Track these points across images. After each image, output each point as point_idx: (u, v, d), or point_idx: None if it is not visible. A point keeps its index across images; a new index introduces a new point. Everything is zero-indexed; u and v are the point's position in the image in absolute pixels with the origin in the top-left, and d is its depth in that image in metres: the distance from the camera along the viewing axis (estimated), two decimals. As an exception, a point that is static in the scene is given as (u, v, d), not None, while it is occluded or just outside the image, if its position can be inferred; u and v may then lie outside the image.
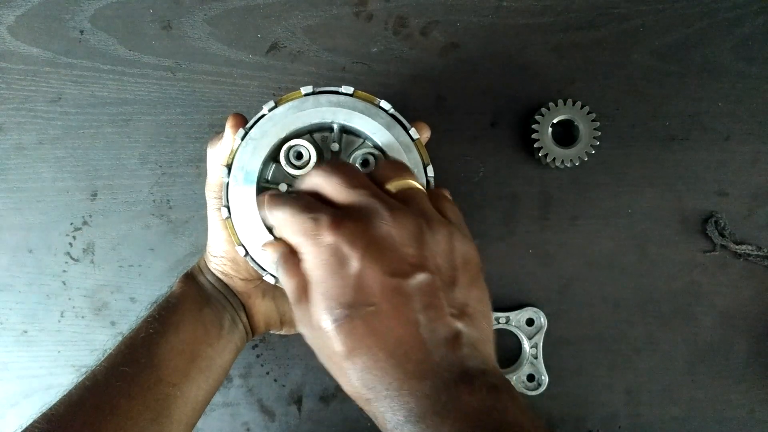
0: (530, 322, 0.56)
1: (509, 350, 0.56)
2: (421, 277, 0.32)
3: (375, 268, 0.32)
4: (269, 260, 0.39)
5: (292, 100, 0.42)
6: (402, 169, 0.38)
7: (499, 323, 0.55)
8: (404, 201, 0.35)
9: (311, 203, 0.35)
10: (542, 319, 0.55)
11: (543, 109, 0.53)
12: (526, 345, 0.55)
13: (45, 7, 0.56)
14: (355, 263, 0.32)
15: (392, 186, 0.36)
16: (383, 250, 0.32)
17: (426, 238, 0.33)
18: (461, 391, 0.30)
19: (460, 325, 0.32)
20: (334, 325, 0.32)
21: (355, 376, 0.32)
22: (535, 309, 0.55)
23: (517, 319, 0.55)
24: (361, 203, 0.34)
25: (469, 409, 0.30)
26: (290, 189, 0.41)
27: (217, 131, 0.56)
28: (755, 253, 0.55)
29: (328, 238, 0.32)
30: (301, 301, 0.34)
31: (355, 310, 0.31)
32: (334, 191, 0.35)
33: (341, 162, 0.39)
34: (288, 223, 0.35)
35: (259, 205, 0.39)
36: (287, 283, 0.35)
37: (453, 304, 0.33)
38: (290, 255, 0.35)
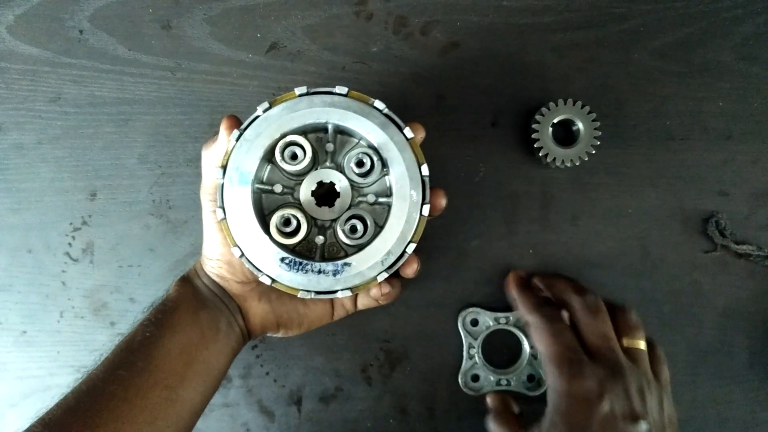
0: (531, 322, 0.55)
1: (509, 350, 0.56)
2: (644, 426, 0.42)
3: (614, 414, 0.42)
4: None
5: (286, 101, 0.42)
6: (637, 328, 0.48)
7: (499, 323, 0.55)
8: (632, 359, 0.45)
9: (573, 348, 0.45)
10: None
11: (543, 109, 0.53)
12: (526, 345, 0.55)
13: (44, 6, 0.56)
14: (603, 406, 0.42)
15: (625, 342, 0.47)
16: (621, 399, 0.43)
17: (647, 396, 0.44)
18: None
19: None
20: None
21: None
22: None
23: (517, 319, 0.55)
24: (608, 356, 0.44)
25: None
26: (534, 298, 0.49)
27: (216, 132, 0.56)
28: (756, 253, 0.55)
29: (589, 384, 0.43)
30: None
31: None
32: (587, 332, 0.46)
33: (598, 304, 0.47)
34: (544, 343, 0.46)
35: (512, 290, 0.51)
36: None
37: None
38: (506, 412, 0.51)
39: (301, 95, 0.41)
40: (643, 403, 0.43)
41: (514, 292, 0.51)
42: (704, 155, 0.56)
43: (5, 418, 0.57)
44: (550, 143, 0.53)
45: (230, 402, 0.56)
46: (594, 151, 0.53)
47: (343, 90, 0.41)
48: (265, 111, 0.41)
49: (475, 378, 0.55)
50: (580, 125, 0.53)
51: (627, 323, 0.48)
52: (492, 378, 0.54)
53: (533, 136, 0.53)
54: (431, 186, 0.42)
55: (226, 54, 0.56)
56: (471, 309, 0.55)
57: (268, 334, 0.49)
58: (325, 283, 0.42)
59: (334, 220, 0.43)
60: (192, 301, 0.45)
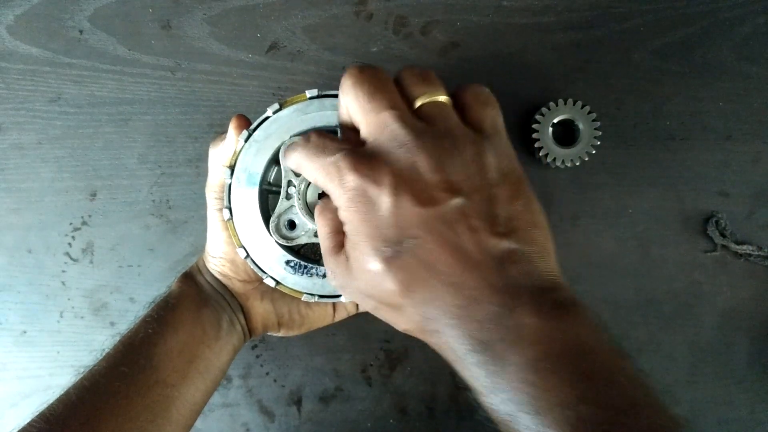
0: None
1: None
2: (455, 201, 0.30)
3: (407, 201, 0.30)
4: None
5: (296, 103, 0.41)
6: (428, 81, 0.34)
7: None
8: (429, 118, 0.33)
9: (325, 145, 0.34)
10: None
11: (543, 109, 0.53)
12: None
13: (44, 6, 0.56)
14: (385, 200, 0.30)
15: (419, 102, 0.34)
16: (410, 181, 0.31)
17: (453, 160, 0.31)
18: (524, 313, 0.29)
19: (508, 242, 0.31)
20: (383, 265, 0.31)
21: (414, 311, 0.31)
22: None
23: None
24: (383, 130, 0.32)
25: (534, 333, 0.28)
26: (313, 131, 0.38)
27: (217, 132, 0.56)
28: (756, 253, 0.55)
29: (351, 181, 0.31)
30: (338, 254, 0.34)
31: (400, 245, 0.30)
32: (358, 109, 0.33)
33: (370, 68, 0.35)
34: (309, 168, 0.34)
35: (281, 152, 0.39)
36: (323, 228, 0.35)
37: (497, 222, 0.31)
38: (324, 206, 0.35)
39: (311, 98, 0.41)
40: (446, 171, 0.31)
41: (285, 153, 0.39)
42: (704, 155, 0.56)
43: (5, 418, 0.57)
44: (550, 143, 0.53)
45: (230, 402, 0.56)
46: (594, 151, 0.53)
47: None
48: (275, 112, 0.41)
49: (292, 225, 0.42)
50: (581, 125, 0.53)
51: (412, 82, 0.34)
52: (311, 227, 0.41)
53: (533, 136, 0.53)
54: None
55: (226, 54, 0.56)
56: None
57: (269, 333, 0.49)
58: (329, 287, 0.42)
59: None
60: (194, 298, 0.45)
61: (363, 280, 0.33)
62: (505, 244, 0.31)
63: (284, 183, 0.41)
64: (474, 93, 0.35)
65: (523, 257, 0.31)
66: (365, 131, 0.33)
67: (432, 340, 0.32)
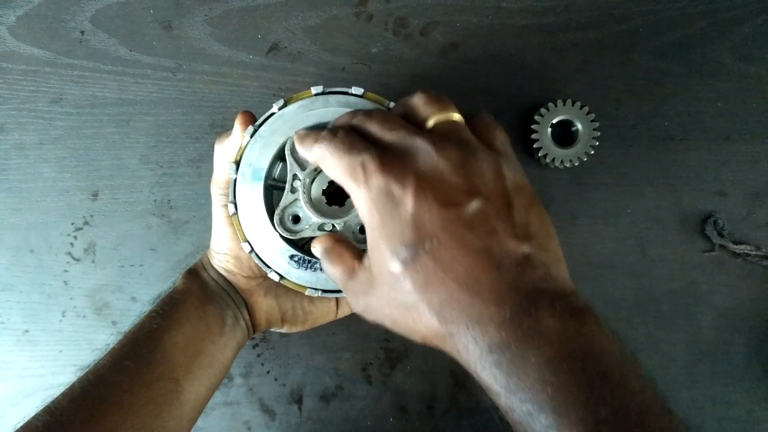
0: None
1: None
2: (476, 204, 0.31)
3: (429, 203, 0.31)
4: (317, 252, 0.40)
5: (301, 99, 0.42)
6: (437, 102, 0.36)
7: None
8: (444, 135, 0.34)
9: (355, 142, 0.34)
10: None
11: (542, 110, 0.53)
12: None
13: (46, 7, 0.56)
14: (408, 201, 0.31)
15: (431, 122, 0.35)
16: (433, 183, 0.32)
17: (472, 166, 0.32)
18: (542, 315, 0.29)
19: (526, 246, 0.31)
20: (402, 266, 0.31)
21: (432, 312, 0.32)
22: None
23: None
24: (401, 143, 0.33)
25: (553, 334, 0.29)
26: (330, 127, 0.39)
27: (218, 131, 0.56)
28: (754, 253, 0.55)
29: (377, 180, 0.32)
30: (355, 275, 0.36)
31: (419, 246, 0.31)
32: (373, 134, 0.35)
33: (375, 108, 0.39)
34: (333, 164, 0.34)
35: (295, 142, 0.40)
36: (336, 270, 0.37)
37: (515, 227, 0.32)
38: (337, 243, 0.38)
39: (316, 94, 0.42)
40: (467, 174, 0.32)
41: (296, 145, 0.40)
42: (703, 155, 0.56)
43: (7, 417, 0.57)
44: (550, 144, 0.53)
45: (231, 401, 0.56)
46: (593, 152, 0.53)
47: (359, 91, 0.42)
48: (280, 108, 0.42)
49: (296, 219, 0.42)
50: (579, 126, 0.53)
51: (420, 106, 0.36)
52: (315, 220, 0.42)
53: (532, 136, 0.53)
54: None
55: (226, 55, 0.56)
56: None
57: (272, 329, 0.49)
58: (332, 282, 0.42)
59: (344, 219, 0.43)
60: (199, 294, 0.45)
61: (384, 284, 0.33)
62: (524, 248, 0.31)
63: (289, 176, 0.41)
64: (482, 118, 0.37)
65: (540, 263, 0.31)
66: (387, 141, 0.34)
67: (449, 345, 0.32)
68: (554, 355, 0.29)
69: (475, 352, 0.30)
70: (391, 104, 0.42)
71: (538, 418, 0.28)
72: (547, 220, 0.34)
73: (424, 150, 0.32)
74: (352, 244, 0.38)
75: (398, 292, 0.32)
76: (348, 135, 0.35)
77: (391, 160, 0.32)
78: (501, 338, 0.30)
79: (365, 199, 0.33)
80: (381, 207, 0.32)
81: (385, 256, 0.32)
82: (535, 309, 0.30)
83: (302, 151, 0.39)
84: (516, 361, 0.29)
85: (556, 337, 0.29)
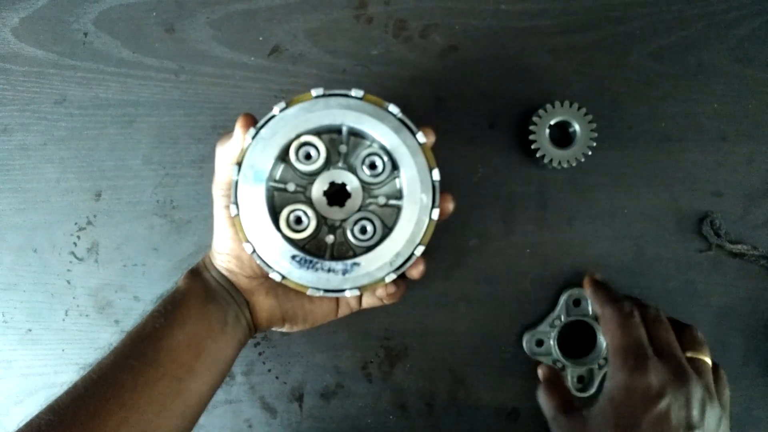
0: (529, 320, 0.57)
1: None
2: None
3: (671, 415, 0.41)
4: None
5: (302, 101, 0.42)
6: (702, 343, 0.47)
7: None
8: (696, 370, 0.44)
9: (641, 343, 0.45)
10: (540, 318, 0.57)
11: (540, 111, 0.54)
12: (599, 343, 0.55)
13: (49, 9, 0.57)
14: (663, 405, 0.42)
15: (690, 354, 0.46)
16: (680, 405, 0.42)
17: (707, 409, 0.43)
18: None
19: None
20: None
21: None
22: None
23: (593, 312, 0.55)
24: (673, 360, 0.44)
25: None
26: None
27: (220, 132, 0.57)
28: (750, 252, 0.55)
29: (646, 376, 0.43)
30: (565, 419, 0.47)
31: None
32: (653, 336, 0.46)
33: (660, 315, 0.48)
34: (612, 337, 0.46)
35: (587, 286, 0.53)
36: (549, 403, 0.50)
37: None
38: (555, 382, 0.52)
39: (317, 97, 0.42)
40: (702, 414, 0.42)
41: (590, 287, 0.52)
42: (699, 156, 0.56)
43: (10, 415, 0.57)
44: (547, 145, 0.54)
45: (233, 398, 0.57)
46: (590, 153, 0.53)
47: (359, 93, 0.42)
48: (281, 111, 0.42)
49: (540, 343, 0.55)
50: (577, 127, 0.54)
51: (692, 337, 0.48)
52: (552, 355, 0.55)
53: (530, 137, 0.54)
54: (440, 190, 0.43)
55: (228, 57, 0.57)
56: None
57: (273, 329, 0.50)
58: (334, 281, 0.42)
59: (344, 220, 0.44)
60: (201, 293, 0.46)
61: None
62: None
63: (555, 313, 0.50)
64: (719, 373, 0.47)
65: None
66: (668, 356, 0.45)
67: None
68: None
69: None
70: (391, 106, 0.42)
71: None
72: None
73: (687, 380, 0.43)
74: (568, 389, 0.51)
75: None
76: (637, 329, 0.46)
77: (669, 377, 0.43)
78: None
79: (623, 383, 0.44)
80: (632, 398, 0.43)
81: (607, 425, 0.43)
82: None
83: (591, 298, 0.52)
84: None
85: None
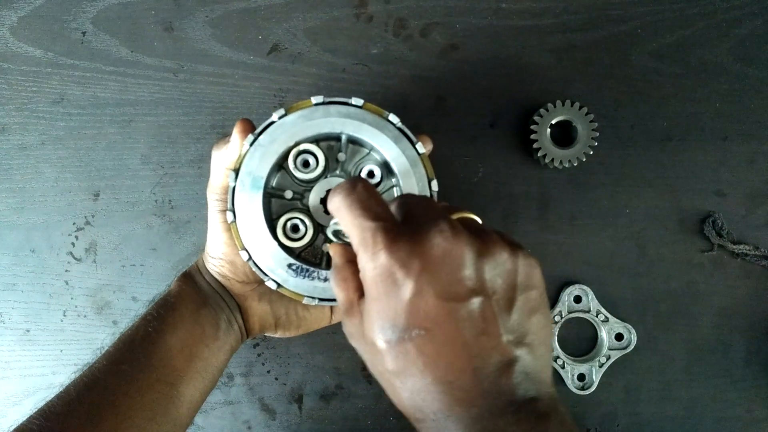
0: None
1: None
2: (476, 302, 0.31)
3: (429, 292, 0.30)
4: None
5: (302, 109, 0.42)
6: (460, 207, 0.37)
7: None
8: (465, 224, 0.33)
9: (372, 205, 0.33)
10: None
11: (542, 110, 0.53)
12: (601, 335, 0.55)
13: (47, 8, 0.56)
14: (409, 287, 0.30)
15: (454, 216, 0.34)
16: (439, 272, 0.31)
17: (486, 259, 0.31)
18: (508, 420, 0.30)
19: (515, 352, 0.31)
20: (386, 346, 0.32)
21: (404, 395, 0.32)
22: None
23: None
24: (420, 217, 0.33)
25: None
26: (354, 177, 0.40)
27: (218, 133, 0.56)
28: (752, 252, 0.55)
29: (382, 258, 0.31)
30: (352, 315, 0.34)
31: (406, 332, 0.31)
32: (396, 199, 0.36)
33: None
34: (345, 221, 0.34)
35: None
36: (338, 294, 0.35)
37: (510, 331, 0.31)
38: (347, 266, 0.35)
39: (317, 104, 0.42)
40: (478, 268, 0.31)
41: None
42: (701, 156, 0.56)
43: (8, 416, 0.57)
44: (549, 144, 0.53)
45: (232, 400, 0.57)
46: (592, 152, 0.53)
47: (359, 102, 0.42)
48: (280, 117, 0.42)
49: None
50: (578, 126, 0.53)
51: (448, 206, 0.37)
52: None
53: (532, 137, 0.53)
54: (439, 201, 0.43)
55: (227, 56, 0.56)
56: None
57: (266, 334, 0.50)
58: (329, 290, 0.42)
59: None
60: (194, 298, 0.45)
61: (366, 351, 0.34)
62: (511, 354, 0.31)
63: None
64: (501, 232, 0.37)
65: (523, 369, 0.31)
66: (407, 211, 0.34)
67: (417, 427, 0.33)
68: None
69: None
70: (390, 115, 0.42)
71: None
72: (548, 326, 0.34)
73: (442, 233, 0.31)
74: (359, 274, 0.34)
75: (377, 362, 0.33)
76: (366, 192, 0.34)
77: (402, 238, 0.31)
78: None
79: (368, 270, 0.32)
80: (381, 283, 0.31)
81: (373, 330, 0.32)
82: (502, 414, 0.30)
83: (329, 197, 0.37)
84: None
85: None
